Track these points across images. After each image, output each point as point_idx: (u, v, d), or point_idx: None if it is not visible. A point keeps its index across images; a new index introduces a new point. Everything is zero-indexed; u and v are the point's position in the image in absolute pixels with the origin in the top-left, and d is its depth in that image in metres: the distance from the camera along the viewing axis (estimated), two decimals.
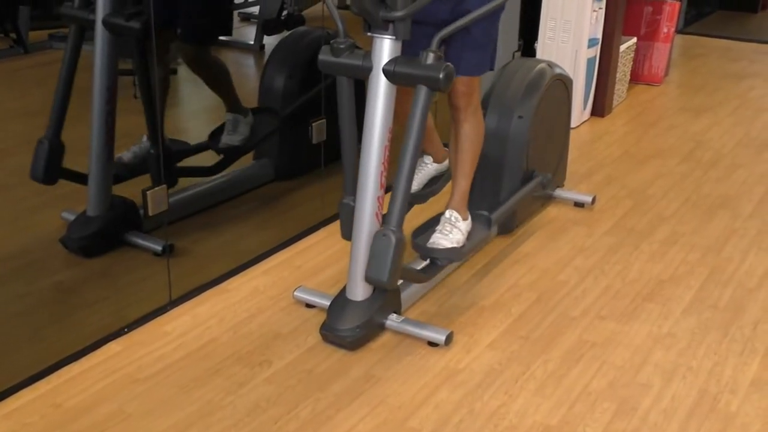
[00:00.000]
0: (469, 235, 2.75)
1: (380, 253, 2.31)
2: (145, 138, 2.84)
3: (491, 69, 2.67)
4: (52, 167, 2.63)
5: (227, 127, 3.21)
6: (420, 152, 2.95)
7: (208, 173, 3.22)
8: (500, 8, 2.55)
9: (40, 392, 2.23)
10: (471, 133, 2.68)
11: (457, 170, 2.73)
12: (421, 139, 2.32)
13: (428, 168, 2.97)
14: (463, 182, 2.73)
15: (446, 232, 2.67)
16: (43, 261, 2.67)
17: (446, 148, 2.91)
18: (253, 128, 3.27)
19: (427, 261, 2.69)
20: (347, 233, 2.48)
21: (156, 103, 2.73)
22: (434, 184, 2.97)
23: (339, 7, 3.30)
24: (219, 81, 3.24)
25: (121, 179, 2.81)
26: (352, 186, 2.45)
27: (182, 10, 3.02)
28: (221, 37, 3.45)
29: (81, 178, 2.75)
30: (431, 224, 2.76)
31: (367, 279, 2.37)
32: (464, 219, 2.73)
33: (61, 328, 2.48)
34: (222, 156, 3.25)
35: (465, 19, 2.33)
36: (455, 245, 2.66)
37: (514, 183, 3.06)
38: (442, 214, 2.74)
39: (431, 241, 2.66)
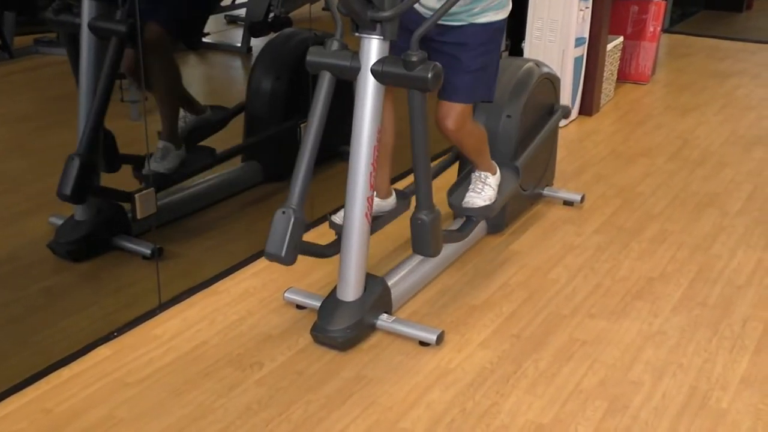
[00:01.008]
0: (500, 188, 2.91)
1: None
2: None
3: (487, 99, 2.68)
4: (83, 185, 2.62)
5: (156, 153, 2.98)
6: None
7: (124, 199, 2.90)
8: (494, 36, 2.54)
9: (30, 398, 2.21)
10: (471, 140, 2.75)
11: (473, 161, 2.87)
12: (427, 137, 2.39)
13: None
14: (481, 161, 2.86)
15: (479, 190, 2.84)
16: (31, 266, 2.66)
17: (392, 186, 2.81)
18: (184, 162, 3.07)
19: (463, 219, 2.88)
20: (275, 247, 2.32)
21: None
22: (376, 220, 2.73)
23: (324, 9, 3.29)
24: (169, 93, 2.99)
25: None
26: (298, 195, 2.34)
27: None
28: (206, 39, 3.44)
29: (115, 196, 2.74)
30: (462, 181, 2.94)
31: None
32: (493, 173, 2.89)
33: (50, 333, 2.46)
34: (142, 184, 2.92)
35: (434, 17, 2.29)
36: (488, 202, 2.83)
37: (504, 184, 3.05)
38: (472, 171, 2.89)
39: (465, 200, 2.83)
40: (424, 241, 2.52)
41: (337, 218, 2.59)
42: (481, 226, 3.12)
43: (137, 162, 2.80)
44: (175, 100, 3.10)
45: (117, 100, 2.78)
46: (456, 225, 2.93)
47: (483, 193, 2.84)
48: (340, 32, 2.33)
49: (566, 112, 3.42)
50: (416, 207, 2.51)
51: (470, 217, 2.87)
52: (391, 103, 2.55)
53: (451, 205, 2.89)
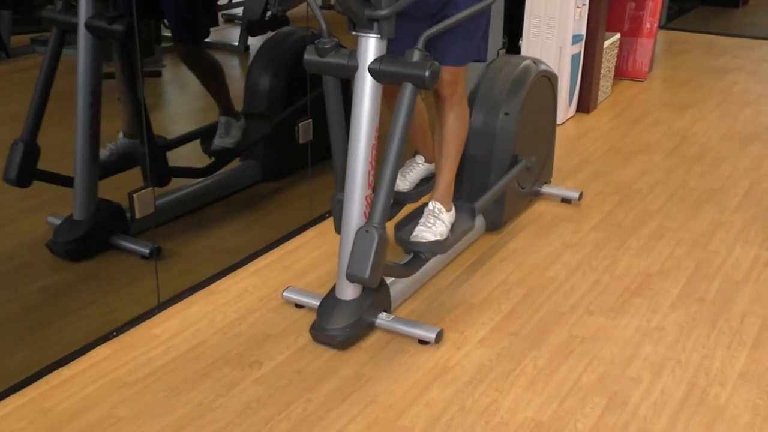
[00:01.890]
0: (453, 227, 2.73)
1: (362, 250, 2.28)
2: (121, 135, 2.84)
3: (481, 60, 2.64)
4: (26, 169, 2.61)
5: (219, 129, 3.21)
6: (413, 151, 2.96)
7: (200, 175, 3.21)
8: None
9: (29, 398, 2.21)
10: (456, 123, 2.65)
11: (441, 161, 2.71)
12: (405, 136, 2.31)
13: (420, 168, 2.96)
14: (447, 173, 2.71)
15: (430, 225, 2.65)
16: (29, 266, 2.65)
17: None
18: (245, 132, 3.28)
19: (411, 255, 2.67)
20: (340, 228, 2.47)
21: (143, 102, 2.72)
22: (425, 183, 2.94)
23: (322, 7, 3.30)
24: (214, 81, 3.25)
25: (99, 177, 2.79)
26: (342, 183, 2.44)
27: (171, 9, 3.02)
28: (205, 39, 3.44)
29: (57, 179, 2.73)
30: (414, 217, 2.74)
31: (348, 276, 2.33)
32: (448, 210, 2.71)
33: (49, 332, 2.46)
34: (213, 159, 3.24)
35: (452, 19, 2.33)
36: (439, 238, 2.63)
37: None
38: (425, 205, 2.72)
39: (414, 234, 2.64)
40: (363, 259, 2.27)
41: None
42: (480, 224, 3.12)
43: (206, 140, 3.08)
44: (221, 79, 3.29)
45: (114, 100, 2.79)
46: (402, 261, 2.68)
47: (434, 227, 2.64)
48: (327, 31, 2.33)
49: (530, 165, 3.21)
50: (369, 217, 2.33)
51: (418, 253, 2.63)
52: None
53: (398, 239, 2.65)
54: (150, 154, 2.69)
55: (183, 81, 3.35)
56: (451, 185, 2.73)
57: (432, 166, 2.95)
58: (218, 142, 3.19)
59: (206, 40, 3.45)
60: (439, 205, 2.68)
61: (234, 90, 3.62)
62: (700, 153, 4.11)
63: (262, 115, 3.41)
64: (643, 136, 4.35)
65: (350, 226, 2.41)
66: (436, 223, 2.65)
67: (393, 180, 2.32)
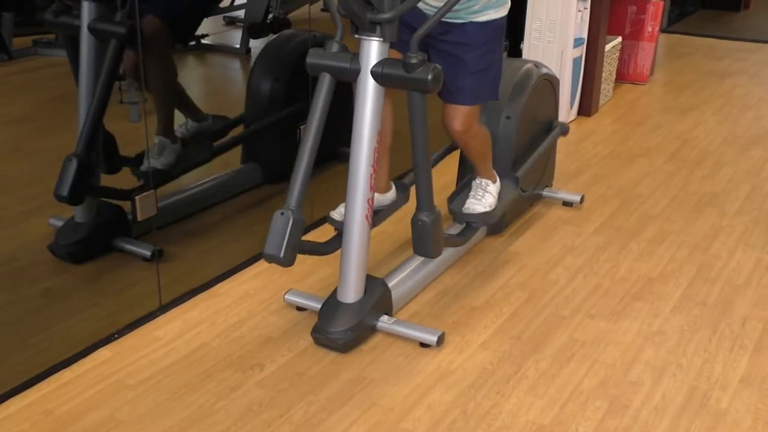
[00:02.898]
0: (500, 196, 2.93)
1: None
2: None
3: (493, 98, 2.69)
4: (80, 186, 2.62)
5: (152, 149, 2.98)
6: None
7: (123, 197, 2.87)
8: (495, 34, 2.54)
9: (31, 399, 2.21)
10: (476, 143, 2.76)
11: (476, 166, 2.88)
12: (427, 139, 2.39)
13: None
14: (484, 168, 2.88)
15: (479, 197, 2.85)
16: (31, 268, 2.66)
17: (391, 182, 2.81)
18: (179, 156, 3.07)
19: (464, 225, 2.90)
20: (273, 248, 2.29)
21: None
22: (376, 215, 2.71)
23: (322, 10, 3.29)
24: (165, 88, 3.01)
25: None
26: (296, 196, 2.33)
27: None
28: (205, 41, 3.44)
29: (114, 194, 2.74)
30: (463, 188, 2.95)
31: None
32: (494, 181, 2.90)
33: (51, 334, 2.46)
34: (142, 181, 2.89)
35: (435, 16, 2.29)
36: (488, 209, 2.85)
37: (504, 192, 3.03)
38: (472, 179, 2.91)
39: (466, 206, 2.85)
40: (425, 243, 2.53)
41: (336, 215, 2.60)
42: (481, 228, 3.12)
43: (136, 161, 2.81)
44: (171, 95, 3.09)
45: (116, 102, 2.78)
46: (456, 230, 2.94)
47: (483, 200, 2.86)
48: (340, 34, 2.34)
49: (564, 130, 3.44)
50: (417, 208, 2.51)
51: (470, 223, 2.89)
52: (389, 98, 2.54)
53: (451, 211, 2.90)
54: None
55: (183, 84, 3.34)
56: (489, 165, 2.90)
57: (382, 197, 2.75)
58: (151, 162, 2.92)
59: (207, 42, 3.45)
60: (485, 180, 2.88)
61: (236, 92, 3.63)
62: (701, 157, 4.12)
63: (200, 140, 3.25)
64: (644, 139, 4.36)
65: (353, 228, 2.41)
66: (485, 195, 2.86)
67: (429, 176, 2.48)
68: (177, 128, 3.14)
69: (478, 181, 2.89)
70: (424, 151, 2.41)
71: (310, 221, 3.26)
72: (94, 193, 2.76)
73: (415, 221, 2.51)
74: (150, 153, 2.92)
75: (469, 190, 2.91)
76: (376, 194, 2.68)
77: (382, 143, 2.59)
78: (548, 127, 3.44)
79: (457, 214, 2.89)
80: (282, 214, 2.32)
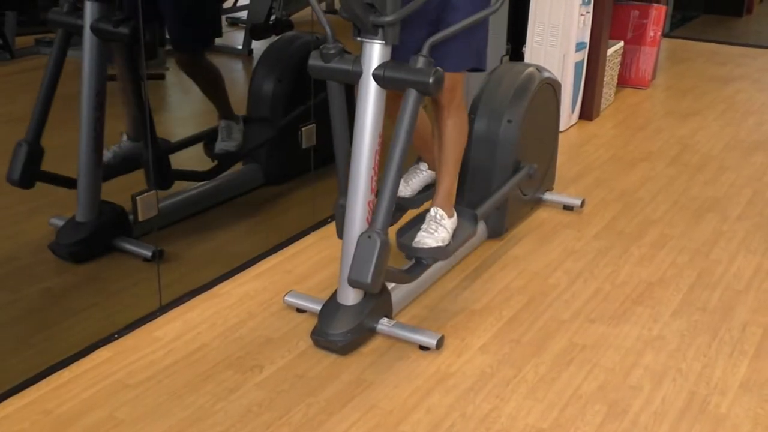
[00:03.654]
0: (455, 233, 2.72)
1: (364, 255, 2.28)
2: (125, 137, 2.84)
3: (481, 68, 2.64)
4: (29, 170, 2.61)
5: (221, 133, 3.21)
6: (416, 158, 2.96)
7: (204, 178, 3.22)
8: (484, 4, 2.51)
9: (30, 399, 2.21)
10: (455, 130, 2.64)
11: (441, 168, 2.70)
12: (409, 142, 2.31)
13: (423, 174, 2.95)
14: (447, 179, 2.70)
15: (431, 231, 2.63)
16: (31, 267, 2.65)
17: None
18: (245, 135, 3.28)
19: (413, 261, 2.66)
20: (342, 233, 2.48)
21: (146, 106, 2.73)
22: (428, 190, 2.94)
23: (327, 12, 3.30)
24: (213, 87, 3.25)
25: (102, 179, 2.80)
26: (346, 188, 2.44)
27: (171, 16, 3.02)
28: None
29: (59, 181, 2.73)
30: (416, 222, 2.73)
31: (350, 281, 2.32)
32: (450, 216, 2.69)
33: (51, 334, 2.46)
34: (216, 162, 3.24)
35: (458, 26, 2.33)
36: (441, 244, 2.62)
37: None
38: (427, 211, 2.71)
39: (416, 240, 2.63)
40: (365, 264, 2.27)
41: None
42: (482, 231, 3.12)
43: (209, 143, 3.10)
44: (221, 84, 3.28)
45: (118, 103, 2.79)
46: (404, 267, 2.67)
47: (436, 234, 2.63)
48: (332, 36, 2.34)
49: (531, 173, 3.20)
50: (371, 223, 2.34)
51: (420, 259, 2.63)
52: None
53: (399, 245, 2.65)
54: (153, 157, 2.70)
55: (187, 84, 3.35)
56: (452, 191, 2.73)
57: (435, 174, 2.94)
58: (221, 145, 3.20)
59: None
60: (441, 211, 2.67)
61: (238, 93, 3.63)
62: (703, 161, 4.12)
63: (264, 119, 3.41)
64: (645, 144, 4.36)
65: (352, 231, 2.41)
66: (438, 229, 2.64)
67: (396, 185, 2.32)
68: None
69: (432, 212, 2.67)
70: (400, 158, 2.29)
71: (311, 222, 3.26)
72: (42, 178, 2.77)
73: (362, 236, 2.30)
74: (219, 137, 3.18)
75: (421, 223, 2.69)
76: (431, 171, 2.92)
77: (423, 123, 2.72)
78: (550, 131, 3.44)
79: (406, 248, 2.64)
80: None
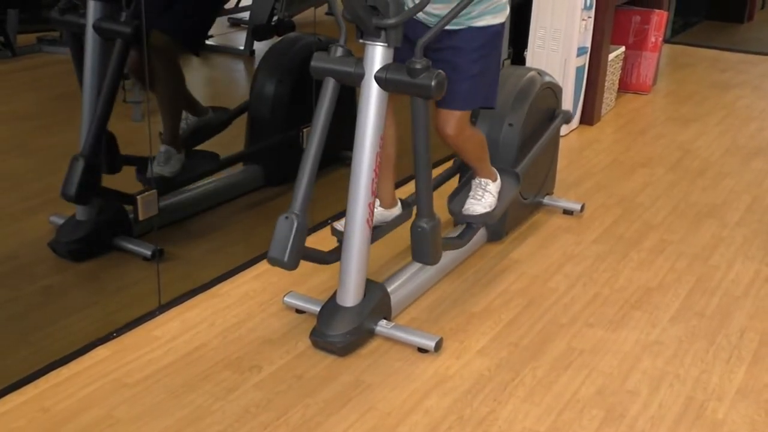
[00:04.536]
0: (500, 195, 2.91)
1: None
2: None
3: (488, 105, 2.67)
4: (87, 186, 2.62)
5: (159, 157, 3.01)
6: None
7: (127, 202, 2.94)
8: (492, 40, 2.54)
9: (28, 396, 2.22)
10: (472, 145, 2.75)
11: (476, 171, 2.88)
12: (429, 146, 2.38)
13: (376, 211, 2.75)
14: (481, 167, 2.86)
15: (479, 197, 2.84)
16: (31, 265, 2.66)
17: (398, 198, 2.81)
18: (185, 166, 3.10)
19: (464, 226, 2.88)
20: (278, 252, 2.31)
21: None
22: (377, 229, 2.69)
23: (327, 14, 3.30)
24: (173, 99, 3.03)
25: None
26: (300, 200, 2.33)
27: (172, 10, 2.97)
28: (210, 42, 3.44)
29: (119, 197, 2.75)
30: (464, 187, 2.93)
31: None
32: (494, 181, 2.89)
33: (50, 332, 2.47)
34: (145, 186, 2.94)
35: (440, 24, 2.31)
36: (488, 209, 2.84)
37: (504, 191, 3.06)
38: (472, 178, 2.89)
39: (466, 207, 2.84)
40: (423, 249, 2.52)
41: (339, 225, 2.60)
42: (481, 234, 3.13)
43: (140, 164, 2.81)
44: (179, 105, 3.12)
45: (119, 101, 2.79)
46: (456, 232, 2.93)
47: (483, 200, 2.84)
48: (344, 38, 2.34)
49: (567, 118, 3.40)
50: (417, 214, 2.51)
51: (470, 224, 2.87)
52: (393, 113, 2.55)
53: (451, 211, 2.89)
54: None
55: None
56: (488, 166, 2.87)
57: (387, 212, 2.75)
58: (156, 169, 2.97)
59: (211, 43, 3.46)
60: (485, 179, 2.86)
61: (240, 94, 3.63)
62: (703, 167, 4.12)
63: (267, 129, 3.36)
64: (646, 149, 4.36)
65: (354, 232, 2.41)
66: (484, 195, 2.84)
67: (429, 177, 2.45)
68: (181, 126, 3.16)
69: (477, 180, 2.88)
70: (425, 157, 2.41)
71: (311, 225, 3.26)
72: (100, 194, 2.76)
73: (414, 228, 2.50)
74: (156, 160, 2.96)
75: (469, 190, 2.90)
76: (381, 209, 2.70)
77: (387, 158, 2.61)
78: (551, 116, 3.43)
79: (456, 214, 2.88)
80: (286, 218, 2.33)
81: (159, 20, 2.78)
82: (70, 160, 2.62)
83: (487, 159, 2.87)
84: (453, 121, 2.58)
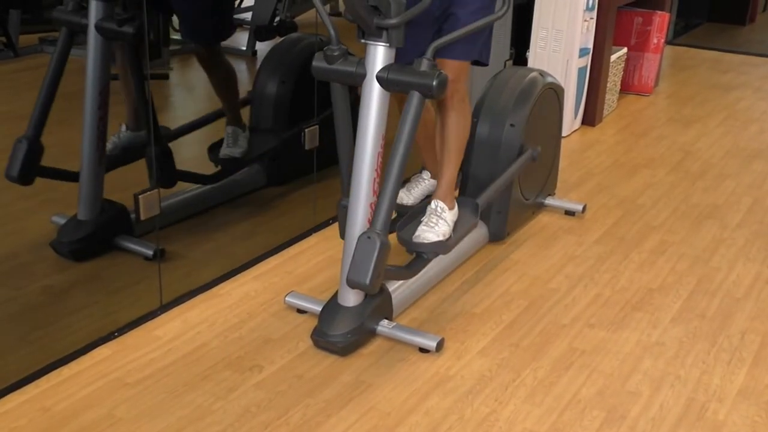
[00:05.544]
0: (456, 226, 2.69)
1: (363, 256, 2.27)
2: (124, 128, 2.83)
3: (483, 63, 2.65)
4: (29, 167, 2.61)
5: (227, 139, 3.22)
6: (420, 165, 2.96)
7: (207, 181, 3.22)
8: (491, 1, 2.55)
9: (29, 396, 2.22)
10: (457, 122, 2.65)
11: (443, 159, 2.68)
12: (411, 143, 2.32)
13: (425, 183, 2.95)
14: (448, 172, 2.68)
15: (432, 224, 2.61)
16: (32, 265, 2.66)
17: None
18: (250, 143, 3.29)
19: (414, 255, 2.63)
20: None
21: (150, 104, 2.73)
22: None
23: (331, 14, 3.30)
24: (226, 86, 3.26)
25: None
26: (348, 189, 2.45)
27: (187, 10, 3.03)
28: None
29: (60, 175, 2.73)
30: (416, 215, 2.71)
31: (349, 282, 2.32)
32: (450, 208, 2.67)
33: (51, 331, 2.47)
34: (220, 167, 3.24)
35: (462, 30, 2.35)
36: (441, 238, 2.60)
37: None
38: (428, 204, 2.70)
39: (417, 234, 2.61)
40: (364, 265, 2.27)
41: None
42: (483, 235, 3.13)
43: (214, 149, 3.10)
44: (234, 88, 3.30)
45: (121, 102, 2.79)
46: (406, 263, 2.66)
47: (437, 227, 2.61)
48: (335, 38, 2.34)
49: (535, 155, 3.15)
50: (371, 223, 2.34)
51: (421, 253, 2.60)
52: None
53: (400, 239, 2.63)
54: (158, 157, 2.70)
55: (190, 85, 3.35)
56: (453, 183, 2.71)
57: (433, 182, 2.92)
58: (226, 151, 3.21)
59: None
60: (441, 204, 2.65)
61: (241, 94, 3.63)
62: (704, 169, 4.12)
63: (269, 129, 3.43)
64: (647, 150, 4.36)
65: (354, 232, 2.41)
66: (438, 222, 2.62)
67: (397, 187, 2.33)
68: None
69: (433, 205, 2.66)
70: (402, 158, 2.29)
71: (313, 223, 3.27)
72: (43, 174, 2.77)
73: (361, 236, 2.30)
74: (225, 142, 3.17)
75: (422, 216, 2.68)
76: (434, 180, 2.86)
77: (429, 127, 2.69)
78: (552, 136, 3.44)
79: (406, 242, 2.61)
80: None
81: (198, 37, 3.08)
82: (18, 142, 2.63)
83: (459, 163, 2.71)
84: (451, 72, 2.47)
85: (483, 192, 2.91)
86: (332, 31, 2.34)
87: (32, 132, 2.61)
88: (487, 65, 2.70)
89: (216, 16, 3.21)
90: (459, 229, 2.70)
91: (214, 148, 3.23)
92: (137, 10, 2.53)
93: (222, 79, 3.23)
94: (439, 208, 2.65)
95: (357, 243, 2.31)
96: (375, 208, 2.34)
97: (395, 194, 2.33)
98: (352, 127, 2.44)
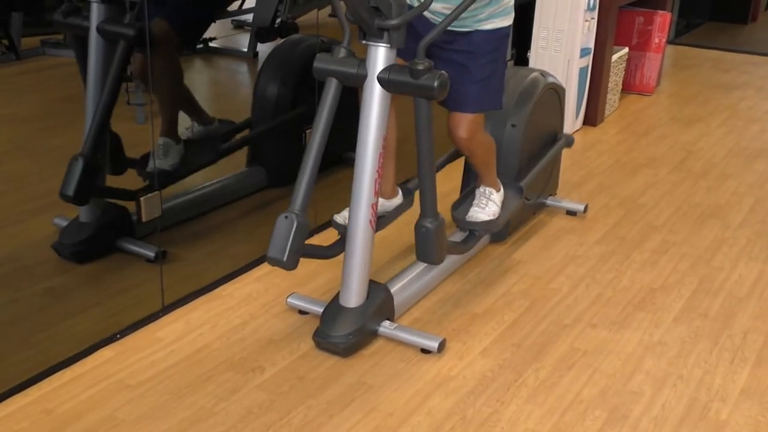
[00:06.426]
0: (504, 205, 2.95)
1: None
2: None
3: (496, 106, 2.68)
4: (85, 185, 2.61)
5: (157, 151, 2.99)
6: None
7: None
8: (501, 43, 2.56)
9: (31, 398, 2.22)
10: (483, 156, 2.78)
11: (481, 175, 2.90)
12: (432, 146, 2.38)
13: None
14: (488, 176, 2.90)
15: (482, 206, 2.86)
16: (34, 267, 2.66)
17: (397, 186, 2.82)
18: (183, 158, 3.09)
19: (467, 233, 2.89)
20: (277, 252, 2.30)
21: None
22: (380, 219, 2.73)
23: (331, 15, 3.30)
24: (170, 90, 3.02)
25: None
26: (300, 199, 2.34)
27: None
28: (213, 44, 3.45)
29: (116, 194, 2.74)
30: (468, 196, 2.97)
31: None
32: (497, 191, 2.92)
33: (53, 334, 2.47)
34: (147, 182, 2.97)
35: (443, 24, 2.32)
36: (492, 217, 2.86)
37: (507, 201, 3.05)
38: (476, 187, 2.91)
39: (469, 214, 2.86)
40: (428, 249, 2.52)
41: (340, 218, 2.62)
42: (484, 236, 3.12)
43: (141, 162, 2.82)
44: (176, 97, 3.12)
45: (123, 104, 2.79)
46: (459, 237, 2.93)
47: (487, 208, 2.86)
48: (348, 39, 2.35)
49: (569, 142, 3.45)
50: (421, 214, 2.51)
51: (473, 231, 2.88)
52: (394, 104, 2.54)
53: (454, 219, 2.89)
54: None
55: (191, 86, 3.35)
56: (494, 175, 2.91)
57: (387, 203, 2.77)
58: (156, 163, 2.93)
59: (215, 45, 3.46)
60: (489, 188, 2.89)
61: (243, 96, 3.64)
62: (706, 168, 4.12)
63: (206, 142, 3.28)
64: (649, 150, 4.36)
65: (357, 233, 2.42)
66: (488, 204, 2.87)
67: (433, 178, 2.45)
68: (183, 131, 3.15)
69: (481, 189, 2.90)
70: (429, 158, 2.41)
71: (314, 226, 3.26)
72: (99, 194, 2.77)
73: (418, 227, 2.50)
74: (155, 154, 2.93)
75: (473, 198, 2.92)
76: (381, 199, 2.74)
77: (387, 148, 2.59)
78: (554, 137, 3.44)
79: (460, 221, 2.88)
80: (286, 217, 2.33)
81: (161, 9, 2.80)
82: (69, 160, 2.63)
83: (494, 166, 2.89)
84: (465, 123, 2.59)
85: (526, 175, 3.14)
86: (347, 32, 2.34)
87: (88, 149, 2.60)
88: (500, 109, 2.74)
89: (195, 15, 3.14)
90: (506, 208, 2.97)
91: (142, 160, 2.90)
92: (138, 12, 2.53)
93: (168, 78, 2.98)
94: (487, 191, 2.89)
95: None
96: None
97: (433, 181, 2.46)
98: (329, 132, 2.39)
